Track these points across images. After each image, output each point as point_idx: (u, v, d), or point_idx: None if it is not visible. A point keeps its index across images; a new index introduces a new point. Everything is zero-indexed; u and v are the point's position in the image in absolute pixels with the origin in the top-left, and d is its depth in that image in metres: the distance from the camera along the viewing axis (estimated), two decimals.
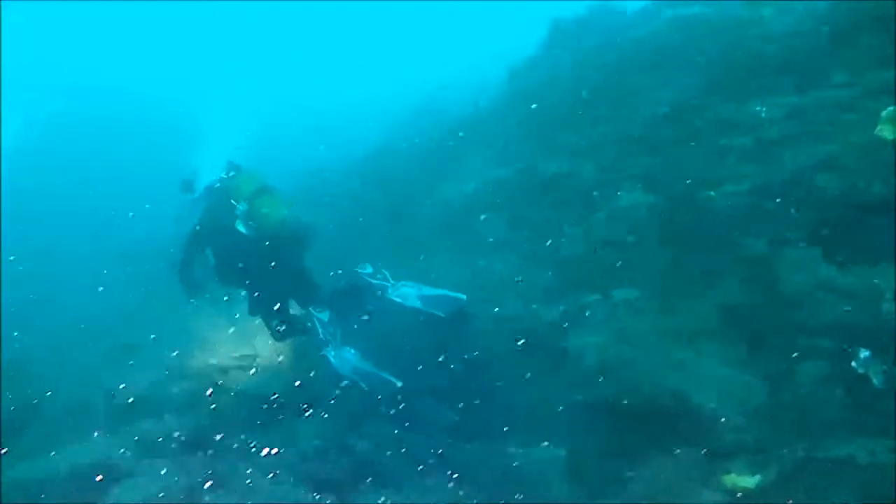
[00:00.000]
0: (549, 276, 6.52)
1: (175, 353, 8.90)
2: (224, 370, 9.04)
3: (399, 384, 6.58)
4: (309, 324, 6.93)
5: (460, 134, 8.80)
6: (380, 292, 6.76)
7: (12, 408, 8.58)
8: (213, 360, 9.21)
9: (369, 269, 7.03)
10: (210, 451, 7.73)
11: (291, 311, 7.14)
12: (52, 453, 7.61)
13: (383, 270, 7.08)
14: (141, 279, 10.77)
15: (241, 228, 6.67)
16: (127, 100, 16.66)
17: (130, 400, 8.70)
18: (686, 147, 6.63)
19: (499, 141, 7.69)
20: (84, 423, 8.26)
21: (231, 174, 7.01)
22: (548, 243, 6.60)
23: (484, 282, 6.80)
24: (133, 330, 10.16)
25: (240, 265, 6.69)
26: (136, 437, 8.03)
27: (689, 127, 6.73)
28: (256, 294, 6.95)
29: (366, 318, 6.95)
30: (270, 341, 8.66)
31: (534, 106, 7.68)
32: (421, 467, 6.88)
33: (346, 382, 6.75)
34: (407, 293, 6.73)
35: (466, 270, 6.96)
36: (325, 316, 6.91)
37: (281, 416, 8.03)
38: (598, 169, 6.77)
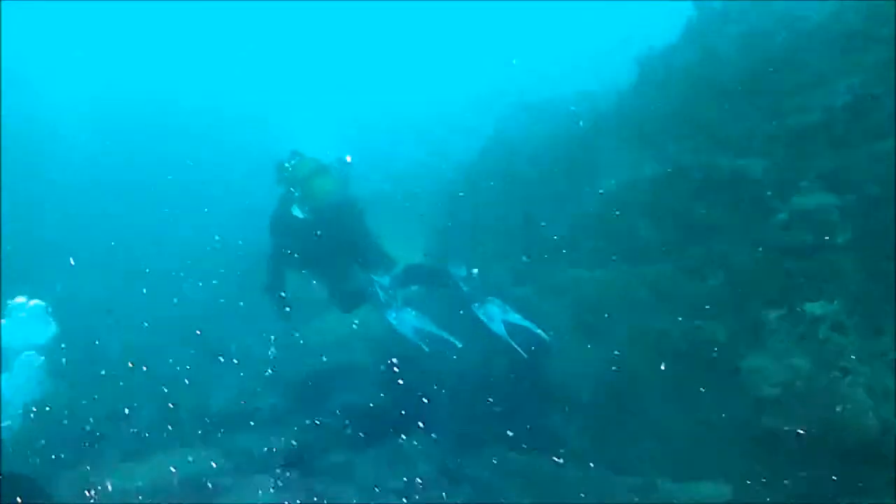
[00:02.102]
0: (714, 286, 5.62)
1: (269, 358, 8.34)
2: (319, 378, 8.45)
3: (459, 345, 6.51)
4: (370, 289, 6.88)
5: (580, 123, 8.00)
6: (467, 301, 6.51)
7: (91, 420, 8.12)
8: (306, 368, 8.64)
9: (463, 272, 6.79)
10: (308, 469, 7.13)
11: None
12: (147, 464, 7.09)
13: (477, 278, 6.72)
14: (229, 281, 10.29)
15: (297, 213, 6.80)
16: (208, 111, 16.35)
17: (221, 411, 8.17)
18: (874, 141, 5.67)
19: (639, 135, 6.83)
20: (173, 433, 7.73)
21: (292, 163, 7.01)
22: (712, 250, 5.72)
23: (632, 291, 5.94)
24: (220, 335, 9.70)
25: (298, 248, 6.78)
26: (230, 451, 7.50)
27: (877, 117, 5.76)
28: (317, 273, 7.07)
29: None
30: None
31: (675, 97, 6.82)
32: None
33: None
34: (493, 313, 6.39)
35: (610, 276, 6.12)
36: (385, 280, 6.90)
37: (384, 431, 7.45)
38: (771, 166, 5.84)
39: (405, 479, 6.73)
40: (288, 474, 6.96)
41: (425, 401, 7.25)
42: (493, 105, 12.66)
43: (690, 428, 5.45)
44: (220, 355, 8.99)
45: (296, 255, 6.90)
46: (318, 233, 6.68)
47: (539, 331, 6.16)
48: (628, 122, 7.07)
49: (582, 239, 6.56)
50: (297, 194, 6.85)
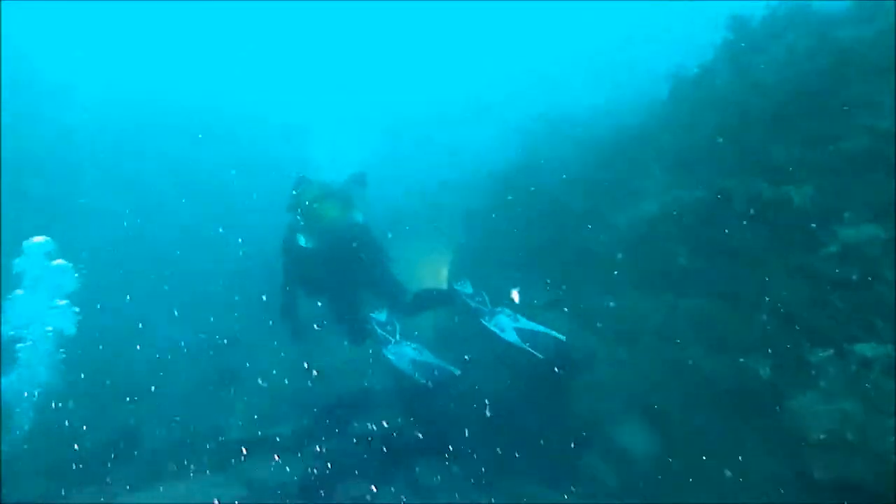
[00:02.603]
0: (757, 321, 5.33)
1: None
2: (336, 404, 8.22)
3: (457, 372, 6.47)
4: (367, 326, 6.79)
5: (609, 141, 7.70)
6: (476, 316, 6.40)
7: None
8: (323, 394, 8.41)
9: (469, 290, 6.66)
10: (327, 501, 6.90)
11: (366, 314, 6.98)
12: (161, 488, 6.87)
13: (483, 293, 6.59)
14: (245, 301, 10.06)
15: (301, 241, 6.66)
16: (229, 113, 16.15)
17: (235, 436, 7.95)
18: None
19: (676, 157, 6.54)
20: (185, 458, 7.51)
21: (298, 189, 6.88)
22: (755, 281, 5.42)
23: (670, 323, 5.66)
24: (232, 356, 9.47)
25: (306, 276, 6.67)
26: (245, 480, 7.27)
27: None
28: (326, 302, 6.91)
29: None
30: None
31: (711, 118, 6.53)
32: None
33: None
34: (503, 323, 6.27)
35: (647, 306, 5.84)
36: (382, 316, 6.81)
37: (404, 462, 7.21)
38: (816, 194, 5.54)
39: None
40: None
41: (448, 430, 7.10)
42: (505, 113, 12.38)
43: (732, 472, 5.16)
44: (233, 378, 8.80)
45: (305, 283, 6.79)
46: (323, 261, 6.56)
47: (554, 333, 5.97)
48: (662, 143, 6.78)
49: (616, 264, 6.27)
50: (301, 222, 6.71)
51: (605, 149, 7.69)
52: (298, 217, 6.77)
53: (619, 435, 5.91)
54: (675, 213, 5.94)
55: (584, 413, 6.17)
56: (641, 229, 6.28)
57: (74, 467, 7.35)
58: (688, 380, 5.45)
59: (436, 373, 6.55)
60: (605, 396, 6.00)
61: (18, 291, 8.15)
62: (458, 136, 13.34)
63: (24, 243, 8.25)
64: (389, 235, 7.71)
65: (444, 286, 6.87)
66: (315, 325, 7.17)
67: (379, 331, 6.74)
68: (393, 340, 6.69)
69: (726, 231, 5.67)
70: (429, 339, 7.59)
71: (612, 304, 6.12)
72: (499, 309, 6.39)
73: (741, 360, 5.23)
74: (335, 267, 6.62)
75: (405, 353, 6.59)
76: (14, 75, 13.22)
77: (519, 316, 6.28)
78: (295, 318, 6.90)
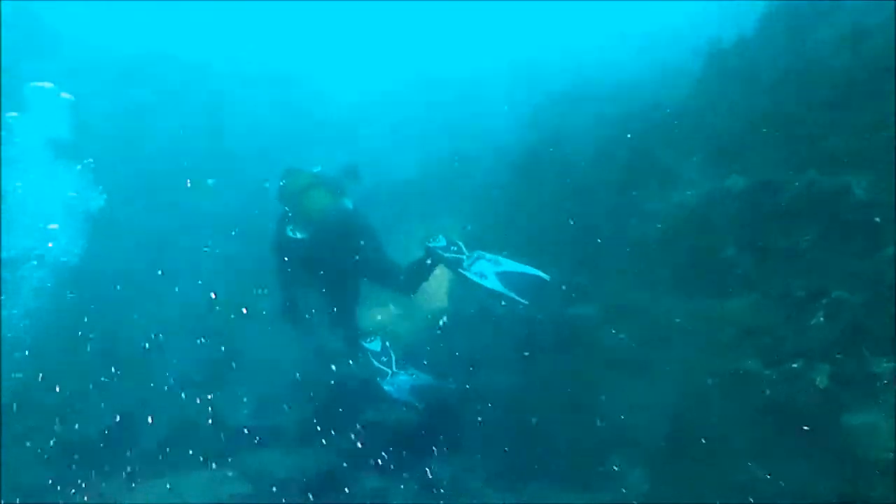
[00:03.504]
0: (811, 324, 4.88)
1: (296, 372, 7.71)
2: (346, 392, 7.81)
3: (453, 386, 6.50)
4: (361, 355, 6.74)
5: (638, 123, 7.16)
6: (455, 267, 6.13)
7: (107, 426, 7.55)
8: (332, 381, 8.00)
9: (442, 242, 6.37)
10: (342, 491, 6.54)
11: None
12: (167, 485, 6.51)
13: (457, 242, 6.35)
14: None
15: (290, 233, 6.53)
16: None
17: (240, 425, 7.55)
18: None
19: (717, 142, 6.03)
20: (187, 448, 7.12)
21: (284, 181, 6.83)
22: (810, 281, 4.96)
23: (714, 324, 5.22)
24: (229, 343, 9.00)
25: (300, 270, 6.56)
26: (250, 473, 6.90)
27: None
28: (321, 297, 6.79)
29: None
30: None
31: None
32: None
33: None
34: (485, 269, 5.99)
35: (686, 305, 5.39)
36: (377, 346, 6.72)
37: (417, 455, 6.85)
38: (876, 183, 5.05)
39: None
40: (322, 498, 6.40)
41: (463, 424, 6.76)
42: (516, 87, 11.73)
43: (779, 492, 4.76)
44: (234, 362, 8.37)
45: (300, 278, 6.69)
46: (316, 252, 6.43)
47: (538, 272, 5.76)
48: (700, 124, 6.26)
49: (651, 258, 5.80)
50: (290, 213, 6.61)
51: (635, 127, 7.16)
52: (287, 209, 6.68)
53: (650, 440, 5.51)
54: (719, 201, 5.43)
55: (612, 415, 5.77)
56: (680, 218, 5.78)
57: (67, 456, 6.97)
58: (731, 388, 5.02)
59: (435, 391, 6.52)
60: (636, 398, 5.58)
61: None
62: (478, 108, 12.62)
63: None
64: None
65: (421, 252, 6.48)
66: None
67: (375, 363, 6.63)
68: (390, 372, 6.57)
69: (774, 224, 5.19)
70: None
71: (643, 299, 5.66)
72: (476, 254, 6.13)
73: (794, 365, 4.79)
74: (328, 256, 6.49)
75: (403, 382, 6.49)
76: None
77: (499, 258, 6.04)
78: (297, 318, 6.79)
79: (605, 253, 6.17)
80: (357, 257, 6.55)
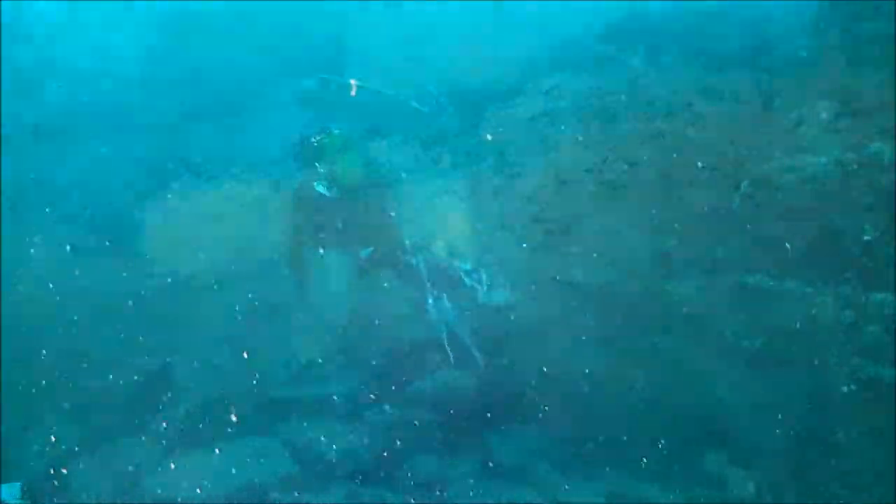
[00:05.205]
0: (881, 317, 4.20)
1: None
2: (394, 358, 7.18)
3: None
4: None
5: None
6: None
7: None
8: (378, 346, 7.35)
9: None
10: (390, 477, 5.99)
11: None
12: (183, 464, 5.93)
13: None
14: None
15: (320, 189, 6.85)
16: None
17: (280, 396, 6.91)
18: None
19: (848, 91, 5.12)
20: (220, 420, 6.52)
21: (318, 138, 7.03)
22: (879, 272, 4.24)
23: (854, 321, 4.50)
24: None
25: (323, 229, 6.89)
26: (294, 451, 6.32)
27: None
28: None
29: None
30: None
31: None
32: None
33: None
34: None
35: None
36: None
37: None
38: None
39: None
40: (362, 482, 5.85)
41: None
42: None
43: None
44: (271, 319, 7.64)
45: (321, 237, 6.99)
46: (342, 211, 6.80)
47: None
48: (827, 71, 5.34)
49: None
50: (321, 171, 6.89)
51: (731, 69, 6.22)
52: (318, 166, 6.93)
53: (759, 441, 4.91)
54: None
55: (713, 408, 5.14)
56: (804, 189, 4.96)
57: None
58: (866, 396, 4.36)
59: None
60: (746, 395, 4.95)
61: None
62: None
63: None
64: None
65: None
66: None
67: None
68: None
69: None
70: None
71: (760, 285, 4.92)
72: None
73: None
74: (353, 217, 6.83)
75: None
76: None
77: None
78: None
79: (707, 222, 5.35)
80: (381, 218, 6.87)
